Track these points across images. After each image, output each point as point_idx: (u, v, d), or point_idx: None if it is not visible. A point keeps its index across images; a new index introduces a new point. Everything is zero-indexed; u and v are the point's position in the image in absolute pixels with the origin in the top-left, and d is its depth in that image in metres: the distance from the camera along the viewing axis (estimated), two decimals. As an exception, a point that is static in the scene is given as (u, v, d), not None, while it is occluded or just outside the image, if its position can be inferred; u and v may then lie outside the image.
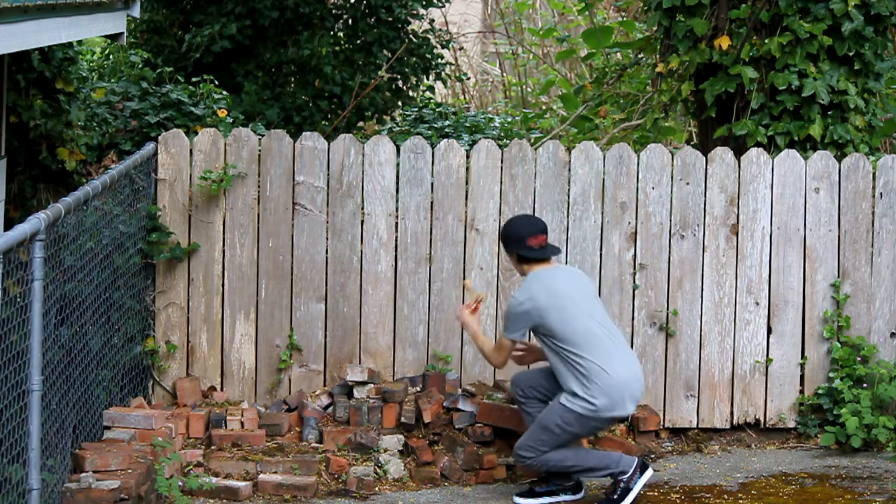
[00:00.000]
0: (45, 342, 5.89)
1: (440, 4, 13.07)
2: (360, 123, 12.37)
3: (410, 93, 12.68)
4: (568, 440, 6.81)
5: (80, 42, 9.57)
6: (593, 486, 7.30)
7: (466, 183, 8.01)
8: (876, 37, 9.05)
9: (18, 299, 5.67)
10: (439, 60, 12.82)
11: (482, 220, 7.99)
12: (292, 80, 12.37)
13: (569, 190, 8.04)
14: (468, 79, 15.75)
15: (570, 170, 8.05)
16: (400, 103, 12.54)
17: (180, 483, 6.82)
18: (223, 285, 7.93)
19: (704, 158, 8.16)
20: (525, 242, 6.87)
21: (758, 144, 8.88)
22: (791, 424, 8.20)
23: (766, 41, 8.97)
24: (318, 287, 7.95)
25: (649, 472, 6.84)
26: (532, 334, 7.01)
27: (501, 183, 8.02)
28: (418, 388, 7.81)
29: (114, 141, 8.82)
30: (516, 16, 17.05)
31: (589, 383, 6.67)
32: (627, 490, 6.77)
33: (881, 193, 8.22)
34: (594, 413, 6.68)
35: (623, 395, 6.71)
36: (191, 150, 7.90)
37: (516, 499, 6.97)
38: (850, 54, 8.98)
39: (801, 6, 8.98)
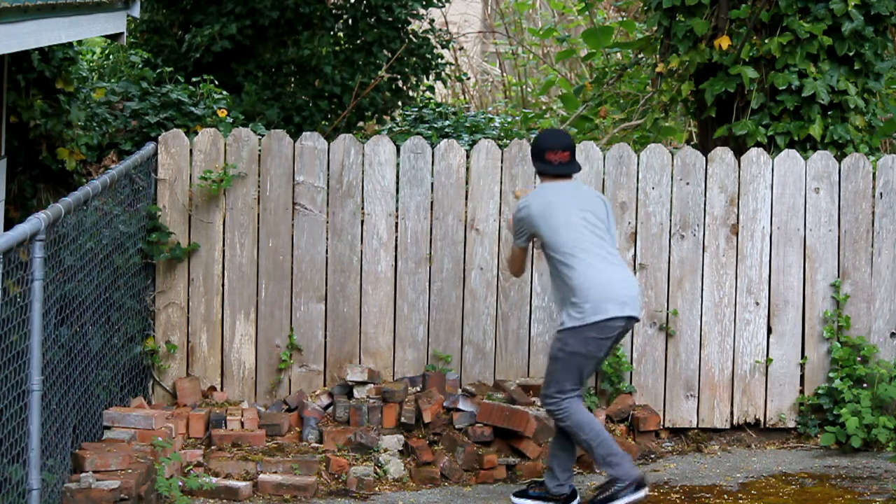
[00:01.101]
0: (45, 342, 5.89)
1: (440, 4, 13.07)
2: (360, 123, 12.37)
3: (410, 93, 12.68)
4: (577, 368, 6.71)
5: (80, 42, 9.57)
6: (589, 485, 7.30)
7: (466, 183, 8.02)
8: (876, 37, 9.06)
9: (18, 299, 5.67)
10: (439, 60, 12.82)
11: (482, 220, 7.99)
12: (292, 80, 12.37)
13: (569, 190, 8.03)
14: (468, 79, 15.74)
15: (570, 170, 8.04)
16: (400, 103, 12.53)
17: (180, 483, 6.82)
18: (223, 285, 7.93)
19: (704, 158, 8.16)
20: (544, 156, 6.89)
21: (758, 144, 8.88)
22: (791, 424, 8.20)
23: (766, 41, 8.97)
24: (318, 287, 7.95)
25: (642, 493, 6.72)
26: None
27: (501, 183, 8.02)
28: (418, 388, 7.81)
29: (114, 141, 8.82)
30: (516, 16, 17.05)
31: (574, 293, 6.68)
32: (614, 497, 6.72)
33: (881, 193, 8.22)
34: (582, 320, 6.64)
35: (604, 297, 6.66)
36: (191, 150, 7.90)
37: (513, 498, 6.97)
38: (850, 54, 8.99)
39: (801, 6, 8.98)
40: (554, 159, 6.87)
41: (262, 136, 8.01)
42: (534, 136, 7.19)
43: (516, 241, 6.98)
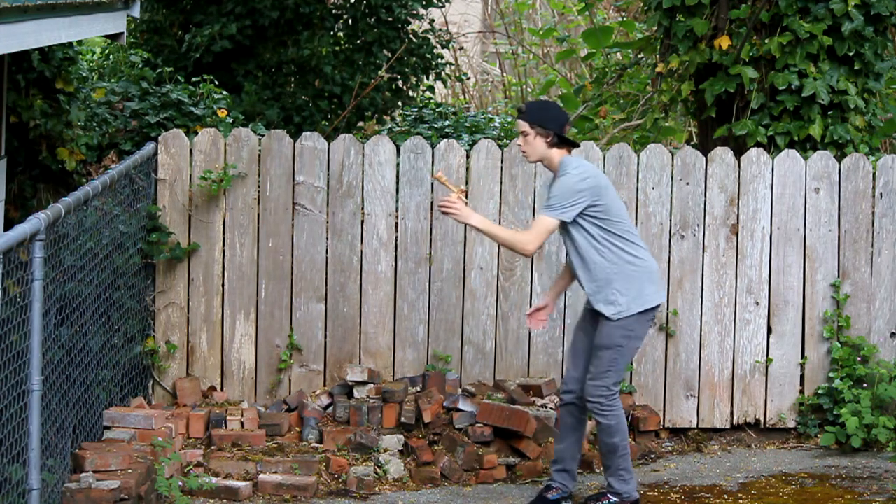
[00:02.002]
0: (45, 342, 5.89)
1: (440, 4, 13.06)
2: (360, 123, 12.36)
3: (410, 93, 12.68)
4: (631, 355, 6.70)
5: (80, 42, 9.56)
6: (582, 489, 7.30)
7: (466, 183, 8.01)
8: (876, 37, 9.05)
9: (18, 299, 5.67)
10: (439, 60, 12.81)
11: (482, 220, 7.98)
12: (292, 80, 12.37)
13: (569, 190, 8.02)
14: (468, 79, 15.74)
15: (570, 170, 8.03)
16: (400, 103, 12.53)
17: (180, 483, 6.82)
18: (223, 285, 7.93)
19: (704, 158, 8.16)
20: (564, 129, 6.68)
21: (758, 144, 8.88)
22: (791, 424, 8.20)
23: (766, 41, 8.97)
24: (318, 287, 7.95)
25: None
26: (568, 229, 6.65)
27: (501, 183, 8.02)
28: (418, 388, 7.81)
29: (114, 141, 8.81)
30: (516, 16, 17.04)
31: (642, 274, 6.57)
32: None
33: (881, 193, 8.22)
34: (646, 304, 6.56)
35: (661, 282, 6.74)
36: (191, 150, 7.90)
37: None
38: (850, 54, 8.98)
39: (801, 6, 8.98)
40: (566, 132, 6.75)
41: (262, 136, 8.01)
42: (544, 103, 6.93)
43: (560, 213, 6.52)
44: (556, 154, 6.64)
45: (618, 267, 6.57)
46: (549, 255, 7.99)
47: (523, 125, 6.64)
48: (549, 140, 6.62)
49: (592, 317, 6.72)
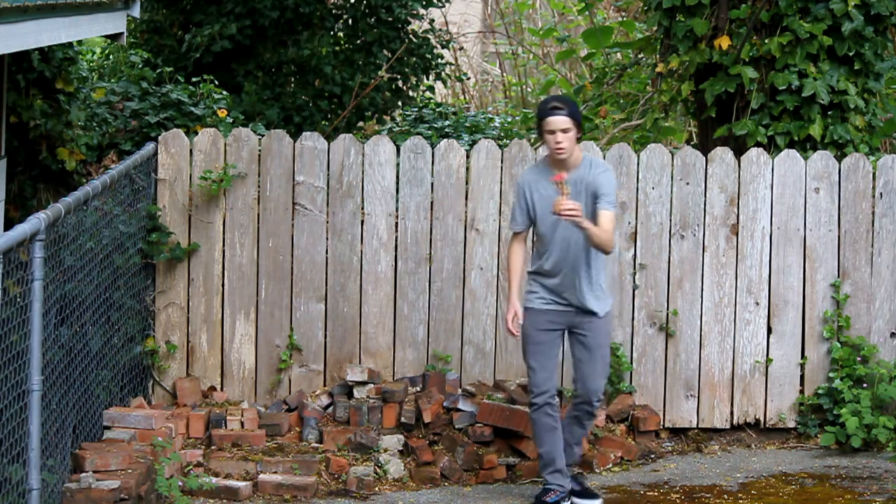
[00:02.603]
0: (45, 342, 5.89)
1: (440, 4, 13.07)
2: (360, 123, 12.37)
3: (410, 93, 12.68)
4: None
5: (80, 42, 9.56)
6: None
7: (466, 183, 8.02)
8: (876, 37, 9.05)
9: (18, 299, 5.67)
10: (439, 60, 12.82)
11: (482, 220, 7.99)
12: (292, 80, 12.37)
13: (569, 190, 8.02)
14: (468, 79, 15.74)
15: (570, 170, 8.03)
16: (400, 103, 12.53)
17: (180, 483, 6.83)
18: (223, 285, 7.93)
19: (704, 158, 8.16)
20: None
21: (758, 144, 8.88)
22: (791, 424, 8.20)
23: (766, 41, 8.97)
24: (318, 287, 7.95)
25: None
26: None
27: (501, 183, 8.02)
28: (418, 388, 7.81)
29: (114, 141, 8.82)
30: (516, 16, 17.05)
31: (607, 268, 6.84)
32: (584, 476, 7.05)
33: (881, 193, 8.22)
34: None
35: None
36: (191, 150, 7.90)
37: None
38: (850, 54, 8.98)
39: (801, 6, 8.98)
40: None
41: (262, 136, 8.02)
42: (568, 98, 7.07)
43: (615, 207, 6.76)
44: (578, 149, 6.78)
45: (601, 263, 6.77)
46: (549, 255, 7.99)
47: (565, 121, 6.64)
48: (578, 136, 6.77)
49: (559, 318, 6.79)
